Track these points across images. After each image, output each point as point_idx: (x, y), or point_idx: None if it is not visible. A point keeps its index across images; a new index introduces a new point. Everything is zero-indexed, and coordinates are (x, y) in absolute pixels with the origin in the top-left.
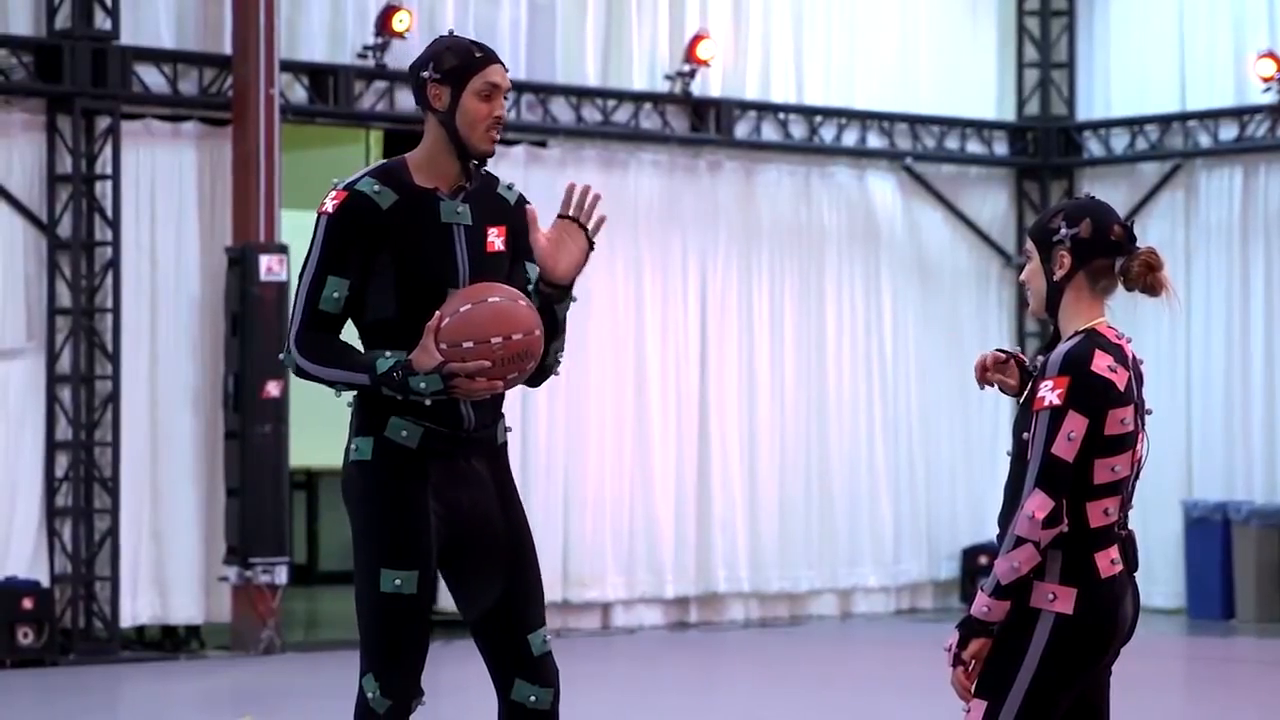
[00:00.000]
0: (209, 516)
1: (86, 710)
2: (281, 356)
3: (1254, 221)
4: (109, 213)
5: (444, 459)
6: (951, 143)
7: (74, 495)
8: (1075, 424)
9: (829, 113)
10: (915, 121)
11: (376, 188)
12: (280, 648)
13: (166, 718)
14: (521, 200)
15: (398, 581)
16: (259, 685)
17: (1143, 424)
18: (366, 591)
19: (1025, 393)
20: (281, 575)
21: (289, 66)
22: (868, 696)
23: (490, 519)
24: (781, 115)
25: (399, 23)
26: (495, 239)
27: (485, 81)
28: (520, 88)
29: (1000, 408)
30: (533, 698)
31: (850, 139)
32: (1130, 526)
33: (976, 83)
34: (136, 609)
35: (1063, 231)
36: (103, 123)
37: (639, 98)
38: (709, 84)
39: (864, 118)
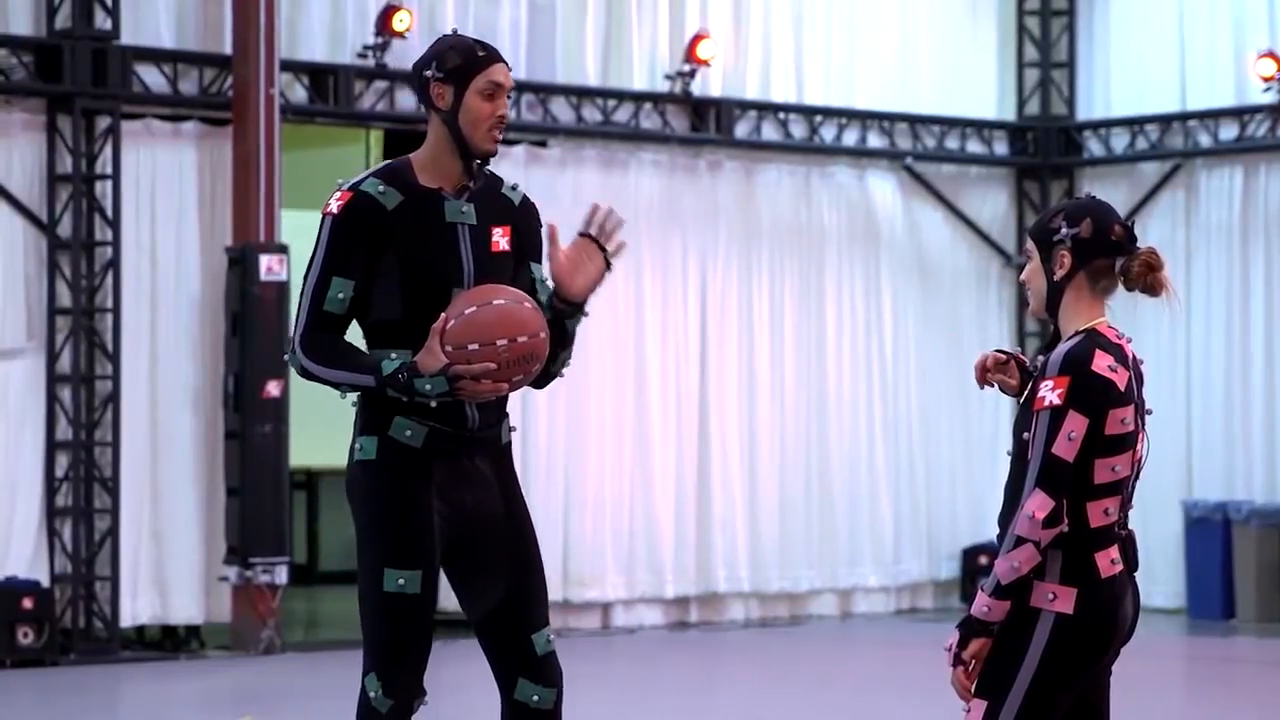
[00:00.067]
0: (209, 516)
1: (86, 710)
2: (286, 358)
3: (1254, 221)
4: (109, 212)
5: (448, 459)
6: (952, 142)
7: (74, 495)
8: (1075, 424)
9: (829, 112)
10: (915, 121)
11: (381, 188)
12: (280, 648)
13: (167, 718)
14: (526, 201)
15: (401, 581)
16: (259, 685)
17: (1143, 424)
18: (370, 591)
19: (1025, 393)
20: (281, 575)
21: (289, 66)
22: (868, 696)
23: (494, 519)
24: (782, 115)
25: (399, 22)
26: (500, 239)
27: (488, 80)
28: (520, 88)
29: (1000, 408)
30: (536, 697)
31: (850, 139)
32: (1130, 526)
33: (977, 82)
34: (136, 609)
35: (1063, 231)
36: (103, 122)
37: (639, 97)
38: (709, 84)
39: (864, 117)
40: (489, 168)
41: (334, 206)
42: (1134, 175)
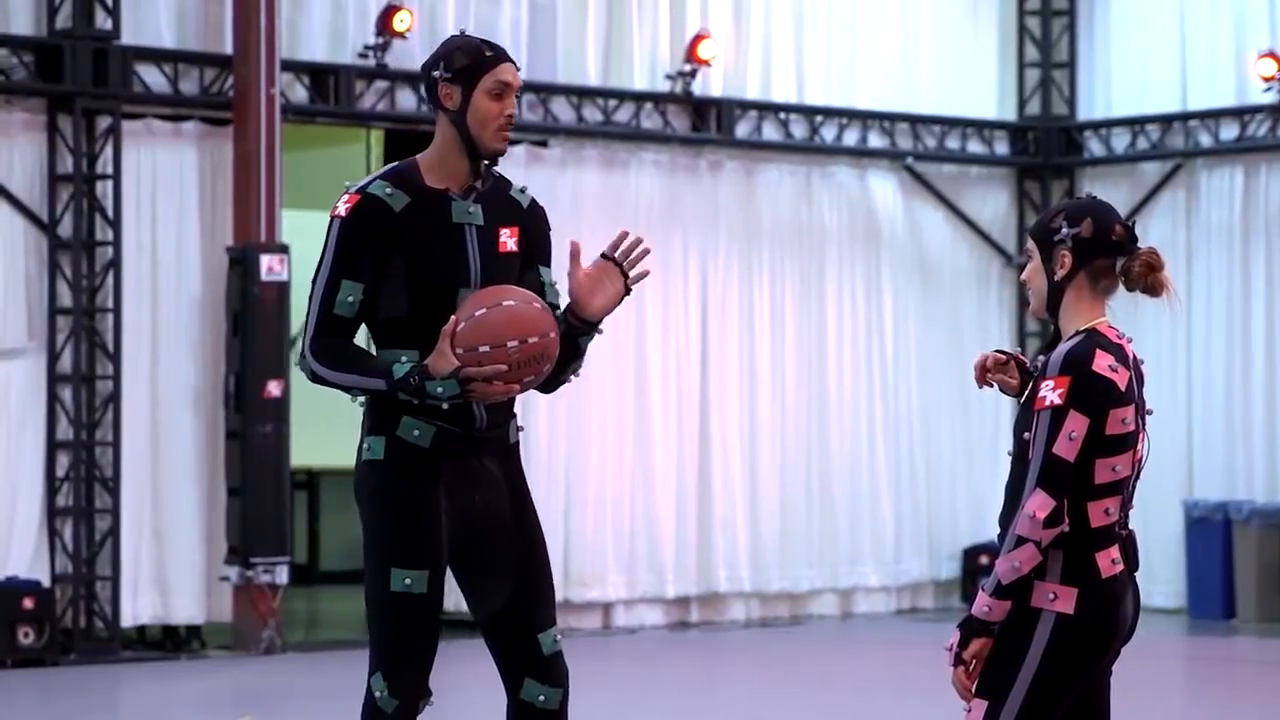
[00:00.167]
0: (210, 516)
1: (87, 710)
2: (297, 363)
3: (1255, 221)
4: (110, 212)
5: (456, 458)
6: (952, 142)
7: (75, 495)
8: (1076, 424)
9: (830, 112)
10: (916, 121)
11: (389, 190)
12: (281, 648)
13: (167, 718)
14: (535, 204)
15: (408, 581)
16: (260, 685)
17: (1143, 424)
18: (377, 590)
19: (1026, 393)
20: (282, 575)
21: (290, 66)
22: (868, 696)
23: (502, 519)
24: (782, 115)
25: (400, 22)
26: (507, 239)
27: (496, 80)
28: (521, 88)
29: (1001, 408)
30: (542, 697)
31: (851, 139)
32: (1131, 526)
33: (977, 82)
34: (137, 609)
35: (1064, 231)
36: (103, 122)
37: (640, 97)
38: (710, 84)
39: (865, 117)
40: (498, 169)
41: (342, 209)
42: (1135, 175)
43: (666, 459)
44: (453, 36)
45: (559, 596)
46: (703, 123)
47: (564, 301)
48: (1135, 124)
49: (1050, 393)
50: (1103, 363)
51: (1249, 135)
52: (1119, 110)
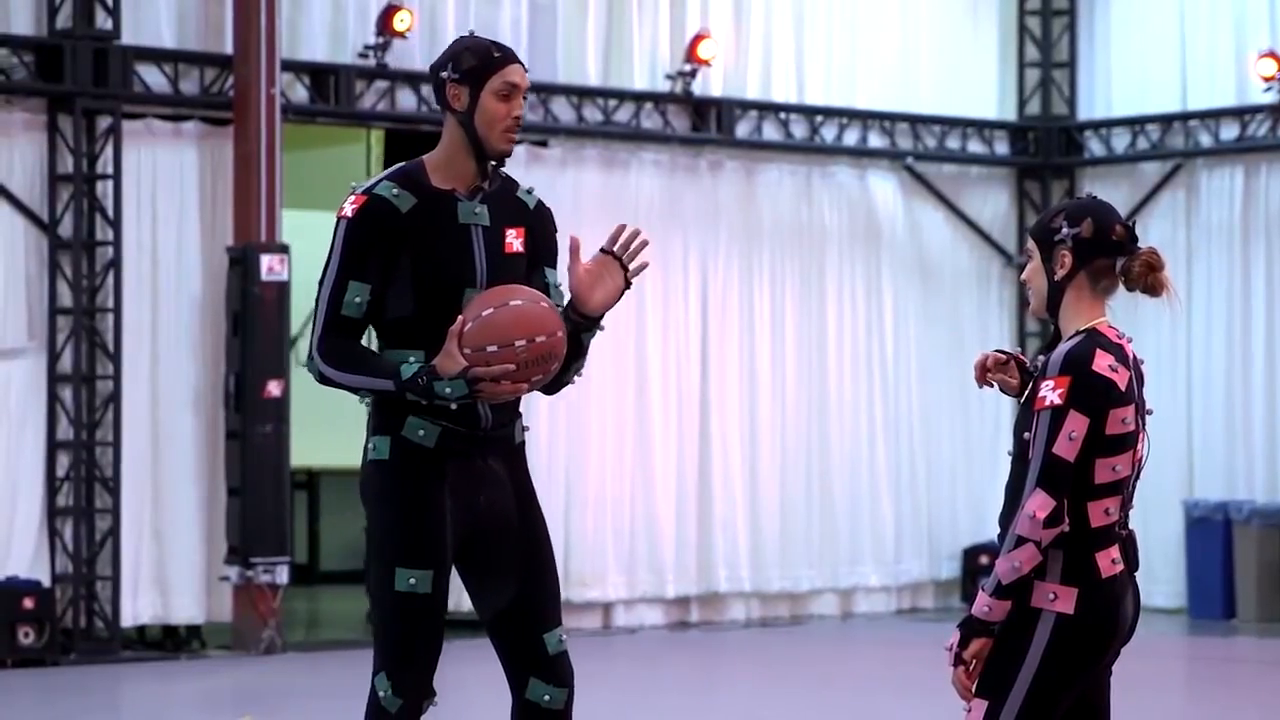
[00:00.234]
0: (210, 516)
1: (87, 710)
2: (304, 363)
3: (1255, 221)
4: (110, 212)
5: (461, 458)
6: (953, 142)
7: (75, 495)
8: (1076, 424)
9: (830, 112)
10: (916, 121)
11: (395, 191)
12: (281, 647)
13: (167, 718)
14: (541, 206)
15: (412, 580)
16: (260, 685)
17: (1143, 424)
18: (381, 590)
19: (1026, 393)
20: (282, 575)
21: (290, 66)
22: (868, 696)
23: (507, 518)
24: (782, 115)
25: (400, 22)
26: (513, 240)
27: (504, 81)
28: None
29: (1001, 408)
30: (547, 697)
31: (851, 139)
32: (1131, 526)
33: (977, 82)
34: (137, 609)
35: (1064, 231)
36: (104, 122)
37: (640, 97)
38: (710, 83)
39: (865, 117)
40: (504, 170)
41: (348, 210)
42: (1135, 175)
43: (666, 459)
44: (461, 37)
45: None
46: (703, 123)
47: (565, 300)
48: (1135, 124)
49: (1050, 393)
50: (1103, 363)
51: (1249, 135)
52: (1119, 110)
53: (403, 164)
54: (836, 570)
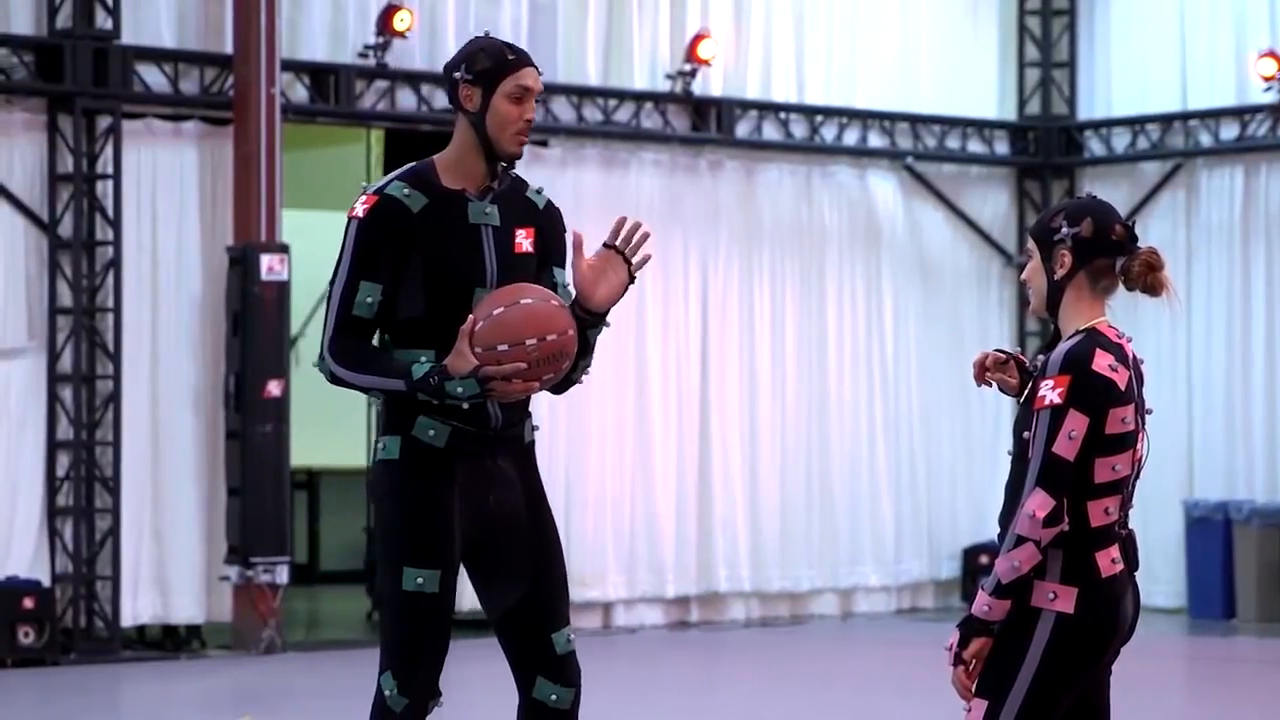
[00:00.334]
0: (210, 516)
1: (87, 710)
2: (315, 364)
3: (1255, 221)
4: (110, 212)
5: (471, 458)
6: (952, 142)
7: (75, 495)
8: (1076, 423)
9: (830, 112)
10: (916, 121)
11: (406, 191)
12: (281, 647)
13: (167, 717)
14: (551, 206)
15: (420, 580)
16: (260, 685)
17: (1143, 423)
18: (389, 589)
19: (1026, 392)
20: (282, 575)
21: (290, 66)
22: (868, 696)
23: (517, 518)
24: (782, 115)
25: (400, 22)
26: (523, 240)
27: (517, 84)
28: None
29: (1001, 407)
30: (554, 696)
31: (851, 138)
32: (1130, 526)
33: (977, 82)
34: (137, 608)
35: (1064, 230)
36: (104, 122)
37: (640, 97)
38: (710, 83)
39: (865, 117)
40: (514, 170)
41: (360, 210)
42: (1135, 175)
43: (666, 459)
44: (476, 38)
45: None
46: (703, 122)
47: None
48: (1135, 124)
49: (1050, 392)
50: (1102, 362)
51: (1249, 135)
52: (1119, 110)
53: (413, 164)
54: (836, 570)
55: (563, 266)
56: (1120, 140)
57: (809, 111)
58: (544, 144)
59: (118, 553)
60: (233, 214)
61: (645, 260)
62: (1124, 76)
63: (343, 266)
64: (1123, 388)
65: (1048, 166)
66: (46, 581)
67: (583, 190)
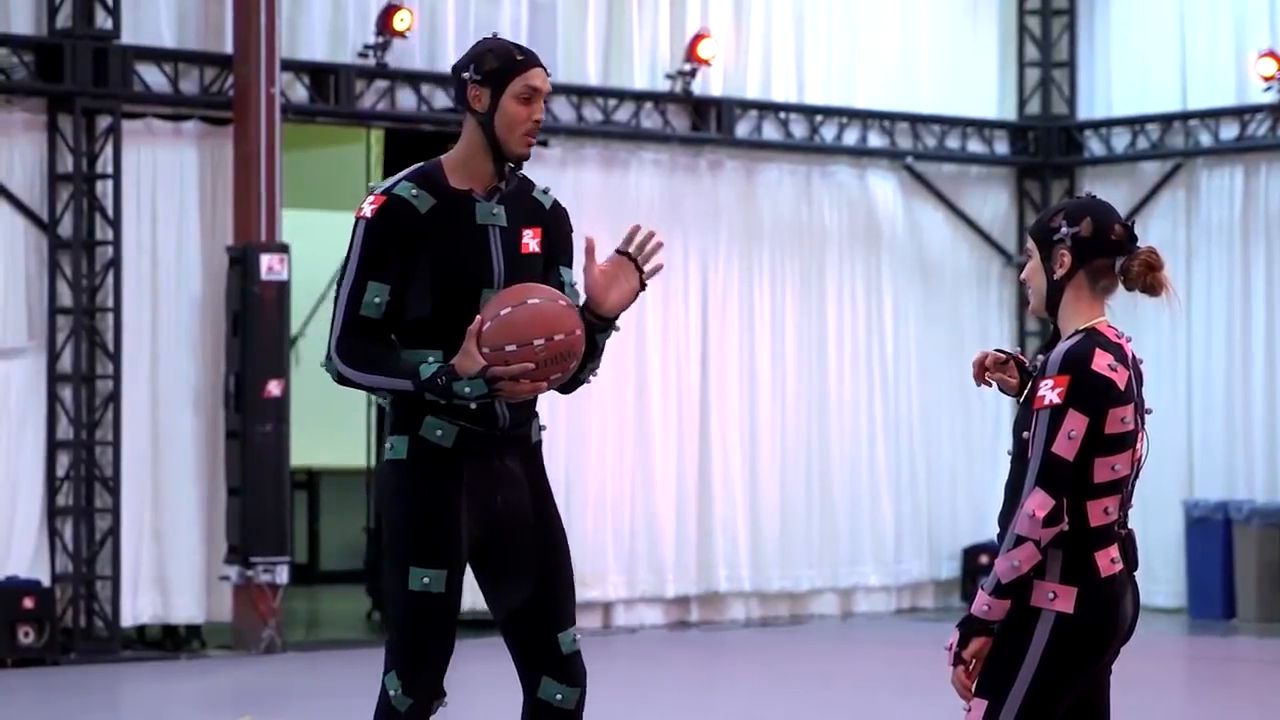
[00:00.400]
0: (210, 516)
1: (87, 710)
2: (322, 364)
3: (1255, 221)
4: (110, 212)
5: (479, 458)
6: (952, 142)
7: (75, 494)
8: (1075, 423)
9: (830, 112)
10: (916, 121)
11: (414, 192)
12: (281, 647)
13: (167, 717)
14: (557, 205)
15: (426, 580)
16: (260, 685)
17: (1143, 423)
18: (395, 588)
19: (1025, 392)
20: (282, 575)
21: (290, 66)
22: (868, 696)
23: (524, 518)
24: (782, 114)
25: (400, 22)
26: (530, 240)
27: (525, 84)
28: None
29: (1001, 407)
30: (559, 696)
31: (851, 138)
32: (1130, 526)
33: (977, 82)
34: (137, 608)
35: (1063, 230)
36: (104, 122)
37: (640, 97)
38: (710, 83)
39: (865, 117)
40: (520, 170)
41: (367, 210)
42: (1135, 175)
43: (666, 459)
44: (485, 39)
45: None
46: (703, 122)
47: (581, 301)
48: (1135, 124)
49: (1049, 392)
50: (1102, 362)
51: (1249, 135)
52: (1119, 110)
53: (421, 164)
54: (836, 570)
55: (570, 266)
56: (1120, 140)
57: (809, 111)
58: (544, 144)
59: (118, 553)
60: (233, 214)
61: (657, 269)
62: (1124, 76)
63: (351, 266)
64: (1122, 387)
65: (1048, 166)
66: (46, 581)
67: (583, 190)
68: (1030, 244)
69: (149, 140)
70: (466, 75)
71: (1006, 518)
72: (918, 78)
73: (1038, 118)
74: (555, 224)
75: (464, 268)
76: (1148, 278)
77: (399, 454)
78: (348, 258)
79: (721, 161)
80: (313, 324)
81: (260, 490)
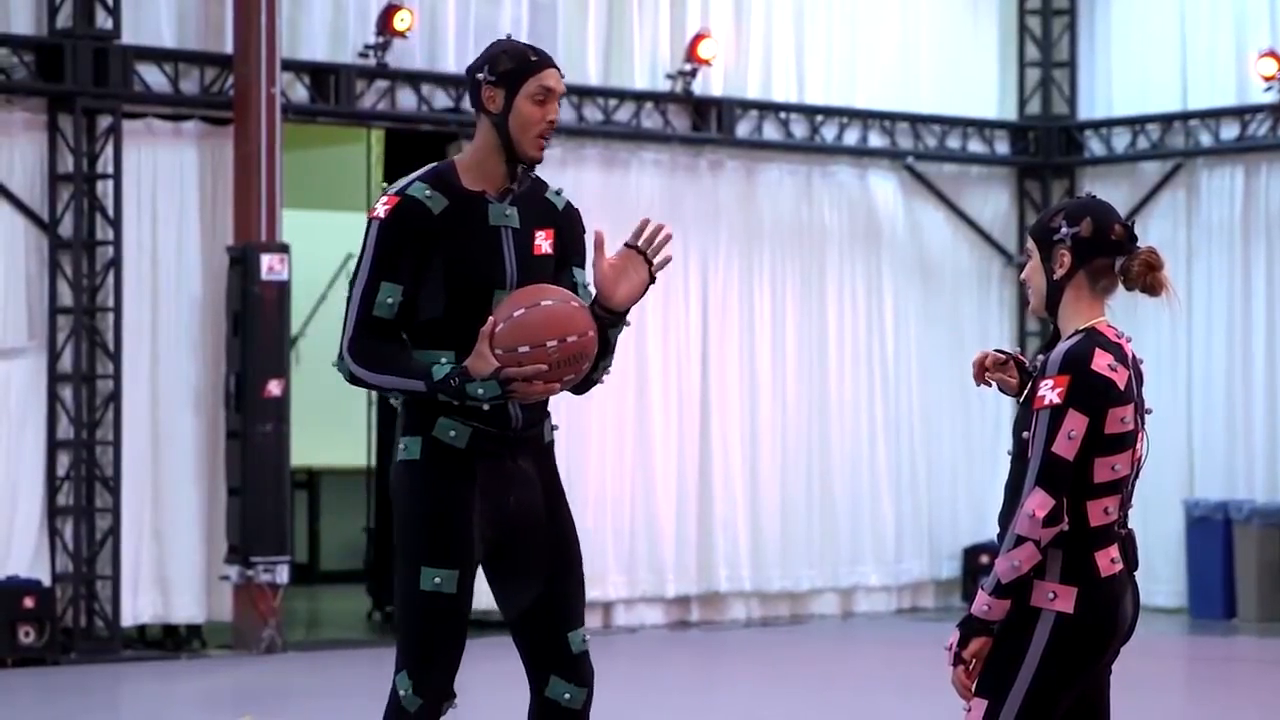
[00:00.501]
0: (210, 516)
1: (88, 710)
2: (334, 364)
3: (1255, 221)
4: (110, 212)
5: (492, 459)
6: (953, 142)
7: (75, 494)
8: (1075, 423)
9: (830, 112)
10: (916, 121)
11: (428, 192)
12: (281, 647)
13: (168, 717)
14: (570, 206)
15: (437, 580)
16: (260, 685)
17: (1143, 423)
18: (406, 589)
19: (1025, 392)
20: (283, 574)
21: (290, 66)
22: (869, 696)
23: (536, 518)
24: (783, 114)
25: (400, 22)
26: (542, 242)
27: (539, 85)
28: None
29: (1001, 407)
30: (567, 695)
31: (851, 138)
32: (1130, 525)
33: (978, 82)
34: (138, 608)
35: (1063, 230)
36: (104, 122)
37: (640, 97)
38: (710, 83)
39: (865, 117)
40: (534, 171)
41: (381, 211)
42: (1135, 175)
43: (666, 459)
44: (499, 40)
45: None
46: (703, 122)
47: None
48: (1135, 124)
49: (1049, 392)
50: (1102, 362)
51: (1249, 135)
52: (1119, 110)
53: (434, 165)
54: (837, 570)
55: (582, 267)
56: (1120, 140)
57: (809, 111)
58: None
59: (118, 552)
60: (233, 214)
61: (666, 261)
62: (1124, 76)
63: (364, 267)
64: (1122, 387)
65: (1048, 166)
66: (47, 581)
67: (583, 190)
68: (1030, 244)
69: (149, 140)
70: (481, 76)
71: (1006, 518)
72: (918, 78)
73: (1038, 118)
74: (568, 225)
75: (476, 269)
76: (1148, 278)
77: (412, 455)
78: (361, 258)
79: (722, 161)
80: (313, 324)
81: (260, 490)
